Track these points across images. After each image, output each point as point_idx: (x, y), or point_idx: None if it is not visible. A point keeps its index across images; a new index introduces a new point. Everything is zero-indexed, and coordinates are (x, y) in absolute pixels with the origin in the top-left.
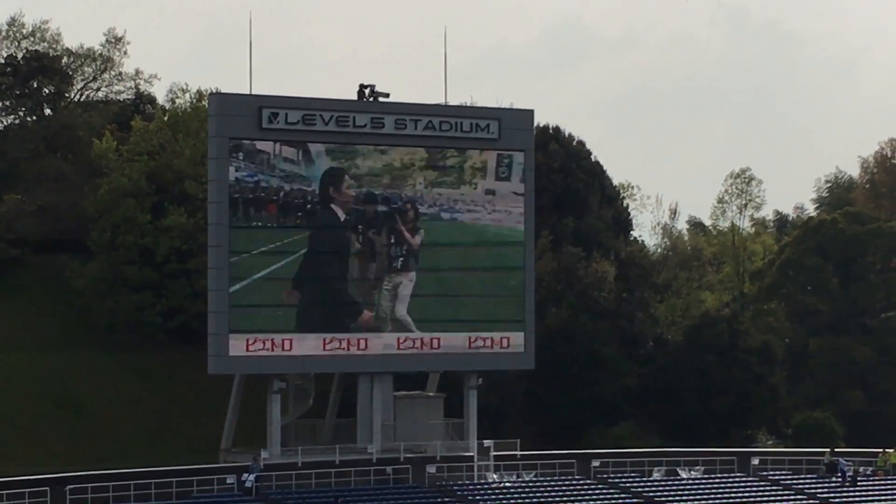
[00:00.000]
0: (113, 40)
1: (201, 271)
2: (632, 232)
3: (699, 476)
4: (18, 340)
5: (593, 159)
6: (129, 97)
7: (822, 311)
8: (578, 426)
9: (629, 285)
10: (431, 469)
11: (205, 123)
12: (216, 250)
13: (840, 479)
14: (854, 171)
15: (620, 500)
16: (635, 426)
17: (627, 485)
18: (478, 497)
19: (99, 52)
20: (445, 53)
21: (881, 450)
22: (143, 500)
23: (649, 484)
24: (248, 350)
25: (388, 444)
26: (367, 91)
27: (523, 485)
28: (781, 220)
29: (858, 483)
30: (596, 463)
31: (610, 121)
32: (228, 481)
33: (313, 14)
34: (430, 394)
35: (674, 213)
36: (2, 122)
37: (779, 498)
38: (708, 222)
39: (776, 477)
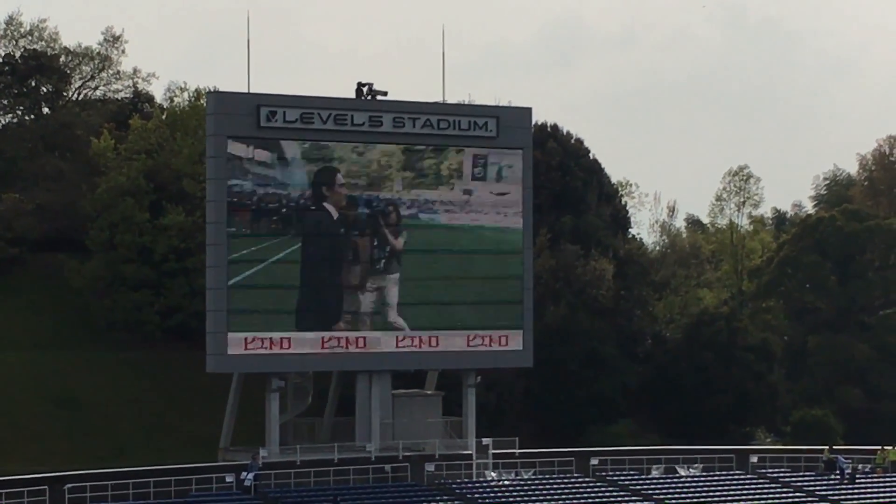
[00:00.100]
0: (111, 39)
1: (200, 270)
2: (630, 230)
3: (698, 474)
4: (17, 339)
5: (591, 157)
6: (127, 96)
7: (821, 308)
8: (577, 424)
9: (627, 283)
10: (430, 467)
11: (203, 122)
12: (214, 249)
13: (839, 477)
14: (852, 168)
15: (619, 498)
16: (634, 424)
17: (626, 483)
18: (476, 495)
19: (97, 50)
20: (443, 51)
21: (880, 447)
22: (141, 499)
23: (648, 482)
24: (246, 349)
25: (387, 442)
26: (365, 89)
27: (522, 483)
28: (780, 217)
29: (857, 480)
30: (594, 461)
31: (608, 118)
32: (227, 480)
33: (311, 12)
34: (429, 392)
35: (672, 210)
36: (0, 121)
37: (777, 495)
38: (706, 220)
39: (775, 474)
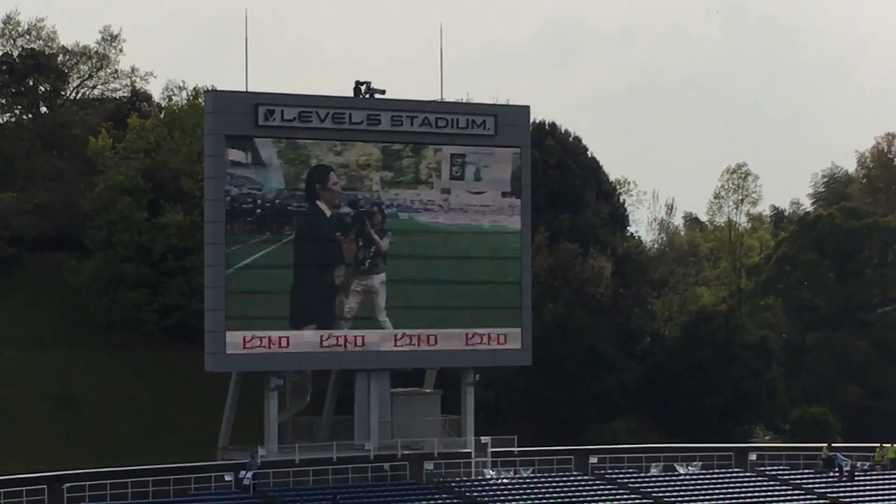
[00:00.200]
0: (109, 38)
1: (198, 269)
2: (628, 228)
3: (697, 472)
4: (15, 339)
5: (590, 155)
6: (125, 95)
7: (819, 306)
8: (576, 422)
9: (626, 281)
10: (429, 466)
11: (201, 121)
12: (213, 247)
13: (837, 474)
14: (850, 166)
15: (618, 496)
16: (632, 422)
17: (625, 481)
18: (475, 493)
19: (95, 49)
20: (441, 50)
21: (878, 444)
22: (140, 498)
23: (647, 480)
24: (244, 347)
25: (386, 440)
26: (363, 88)
27: (521, 481)
28: (778, 215)
29: (856, 478)
30: (593, 459)
31: (606, 117)
32: (226, 479)
33: (309, 11)
34: (428, 390)
35: (670, 208)
36: None
37: (776, 493)
38: (704, 218)
39: (774, 472)
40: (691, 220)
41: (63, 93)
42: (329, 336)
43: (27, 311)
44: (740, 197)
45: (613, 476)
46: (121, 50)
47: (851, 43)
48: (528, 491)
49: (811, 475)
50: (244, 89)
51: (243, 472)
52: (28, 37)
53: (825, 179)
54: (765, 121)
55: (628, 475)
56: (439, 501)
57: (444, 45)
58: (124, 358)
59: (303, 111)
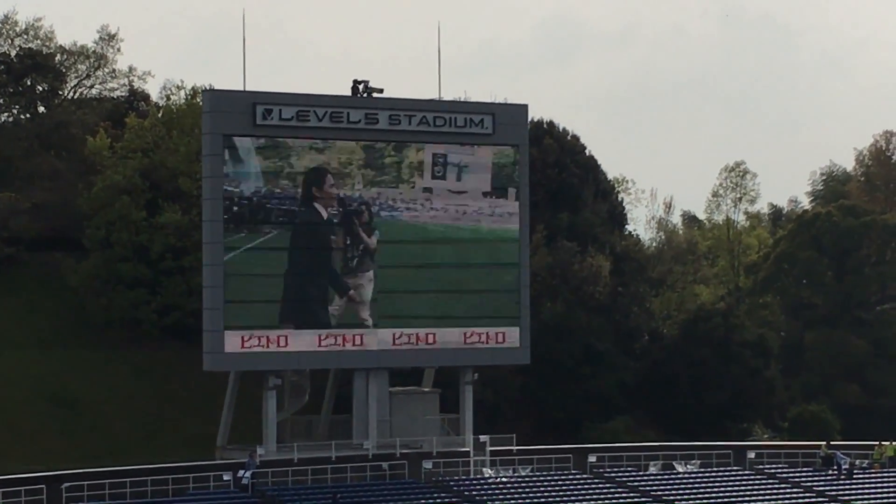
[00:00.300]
0: (106, 37)
1: (196, 268)
2: (626, 226)
3: (695, 470)
4: (14, 338)
5: (588, 154)
6: (123, 95)
7: (818, 304)
8: (574, 421)
9: (624, 280)
10: (427, 464)
11: (199, 120)
12: (211, 247)
13: (836, 472)
14: (848, 164)
15: (617, 495)
16: (631, 420)
17: (624, 479)
18: (474, 492)
19: (92, 49)
20: (439, 49)
21: (877, 442)
22: (139, 498)
23: (646, 478)
24: (243, 347)
25: (384, 439)
26: (361, 87)
27: (519, 480)
28: (776, 213)
29: (855, 476)
30: (592, 458)
31: (604, 115)
32: (225, 478)
33: (307, 10)
34: (426, 389)
35: (668, 207)
36: None
37: (775, 491)
38: (702, 216)
39: (772, 470)
40: (689, 219)
41: (61, 92)
42: (327, 335)
43: (25, 311)
44: (738, 195)
45: (612, 475)
46: (118, 49)
47: (850, 41)
48: (527, 490)
49: (810, 473)
50: (242, 88)
51: (242, 472)
52: (26, 36)
53: (823, 177)
54: (763, 119)
55: (627, 474)
56: (438, 500)
57: (442, 44)
58: (122, 357)
59: (300, 110)
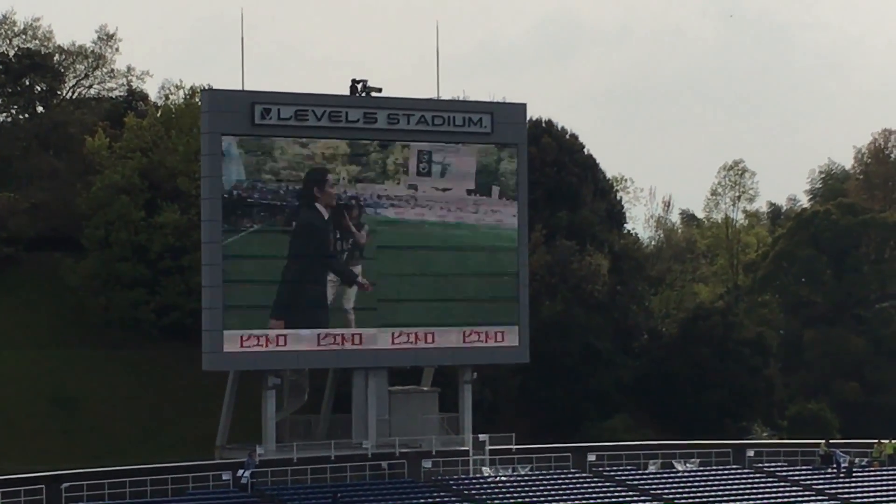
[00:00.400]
0: (105, 37)
1: (195, 268)
2: (625, 225)
3: (695, 469)
4: (13, 338)
5: (586, 152)
6: (122, 94)
7: (817, 302)
8: (573, 419)
9: (623, 278)
10: (427, 464)
11: (198, 120)
12: (210, 247)
13: (835, 471)
14: (847, 162)
15: (616, 494)
16: (630, 419)
17: (623, 478)
18: (473, 491)
19: (91, 49)
20: (438, 48)
21: (876, 440)
22: (138, 497)
23: (645, 477)
24: (242, 346)
25: (384, 439)
26: (359, 86)
27: (519, 479)
28: (775, 211)
29: (854, 474)
30: (591, 456)
31: (603, 114)
32: (224, 477)
33: (305, 10)
34: (425, 388)
35: (667, 205)
36: None
37: (774, 490)
38: (701, 215)
39: (772, 469)
40: (688, 217)
41: (59, 92)
42: (326, 335)
43: (24, 311)
44: (737, 193)
45: (611, 473)
46: (117, 49)
47: (848, 40)
48: (526, 488)
49: (809, 471)
50: (240, 88)
51: (241, 471)
52: (24, 36)
53: (822, 176)
54: (761, 117)
55: (626, 472)
56: (437, 499)
57: (441, 43)
58: (121, 357)
59: (299, 110)
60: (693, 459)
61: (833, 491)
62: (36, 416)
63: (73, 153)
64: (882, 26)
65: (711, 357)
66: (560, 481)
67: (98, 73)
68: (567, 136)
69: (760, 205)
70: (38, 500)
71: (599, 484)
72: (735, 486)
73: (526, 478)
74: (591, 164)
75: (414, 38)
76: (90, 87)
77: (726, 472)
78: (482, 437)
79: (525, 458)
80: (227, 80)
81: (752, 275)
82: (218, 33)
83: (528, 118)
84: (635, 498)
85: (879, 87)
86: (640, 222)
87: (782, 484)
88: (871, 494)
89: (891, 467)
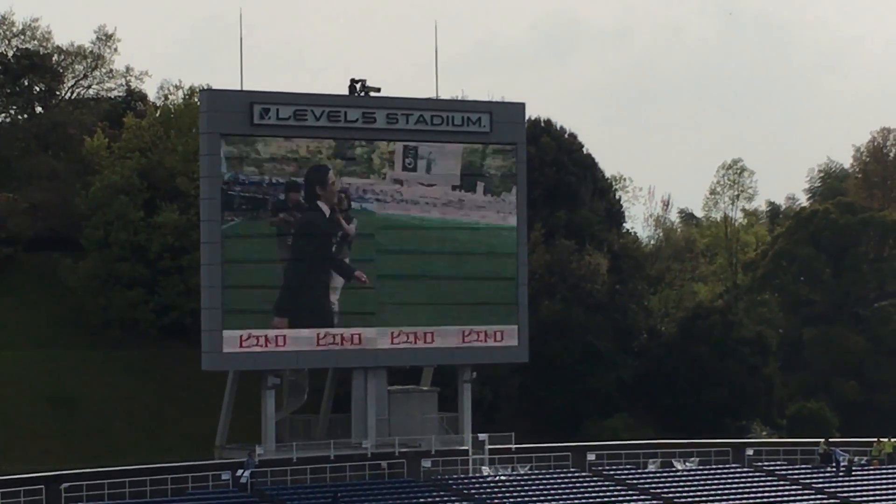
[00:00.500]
0: (103, 38)
1: (194, 268)
2: (624, 224)
3: (694, 467)
4: (12, 338)
5: (585, 152)
6: (121, 94)
7: (816, 301)
8: (573, 419)
9: (622, 277)
10: (426, 463)
11: (197, 120)
12: (209, 247)
13: (835, 469)
14: (846, 161)
15: (616, 493)
16: (630, 418)
17: (623, 477)
18: (473, 491)
19: (89, 49)
20: (436, 47)
21: (876, 439)
22: (138, 497)
23: (645, 476)
24: (241, 346)
25: (383, 438)
26: (358, 86)
27: (518, 478)
28: (774, 210)
29: (853, 473)
30: (591, 455)
31: (602, 113)
32: (223, 477)
33: (303, 10)
34: (425, 388)
35: (666, 204)
36: None
37: (774, 488)
38: (700, 214)
39: (771, 467)
40: (687, 216)
41: (58, 93)
42: (325, 334)
43: (23, 311)
44: (736, 192)
45: (611, 472)
46: (115, 49)
47: (847, 38)
48: (526, 488)
49: (809, 470)
50: (239, 88)
51: (241, 471)
52: (23, 37)
53: (821, 174)
54: (760, 116)
55: (626, 471)
56: (437, 499)
57: (439, 43)
58: (121, 357)
59: (298, 110)
60: (692, 458)
61: (832, 490)
62: (35, 416)
63: (72, 153)
64: (881, 25)
65: (711, 356)
66: (559, 481)
67: (97, 73)
68: (566, 136)
69: (759, 204)
70: (38, 501)
71: (599, 483)
72: (734, 485)
73: (525, 477)
74: (589, 163)
75: (412, 37)
76: (89, 87)
77: (726, 471)
78: (482, 436)
79: (524, 458)
80: (225, 81)
81: (751, 274)
82: (217, 33)
83: (526, 118)
84: (635, 497)
85: (878, 86)
86: (639, 221)
87: (782, 483)
88: (871, 493)
89: (890, 466)
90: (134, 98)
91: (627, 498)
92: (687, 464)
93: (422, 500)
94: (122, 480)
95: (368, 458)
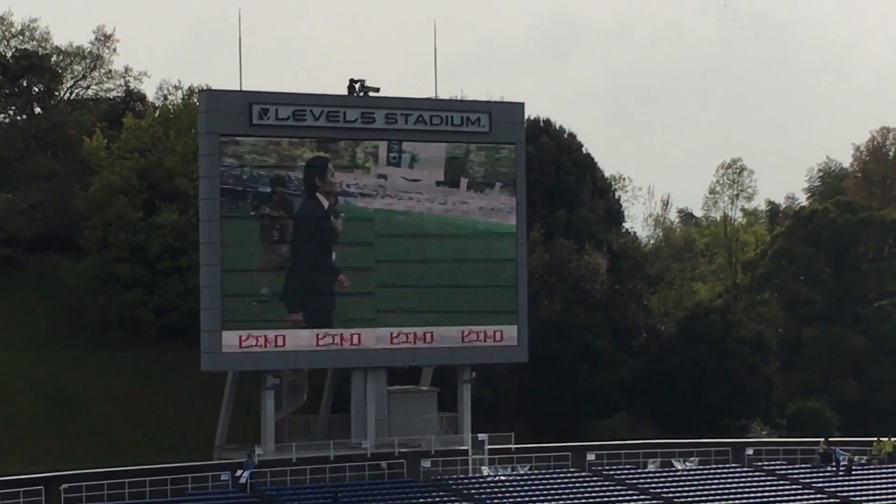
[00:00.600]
0: (102, 38)
1: (193, 268)
2: (624, 224)
3: (694, 467)
4: (11, 339)
5: (584, 151)
6: (119, 95)
7: (815, 300)
8: (573, 419)
9: (622, 277)
10: (426, 463)
11: (196, 120)
12: (208, 247)
13: (835, 469)
14: (845, 160)
15: (616, 493)
16: (629, 418)
17: (622, 477)
18: (472, 491)
19: (88, 49)
20: (435, 47)
21: (876, 438)
22: (137, 498)
23: (644, 475)
24: (241, 346)
25: (383, 438)
26: (357, 86)
27: (518, 478)
28: (773, 209)
29: (853, 472)
30: (591, 455)
31: (601, 113)
32: (223, 478)
33: (303, 9)
34: (424, 388)
35: (666, 204)
36: None
37: (774, 488)
38: (700, 213)
39: (771, 467)
40: (686, 216)
41: (57, 93)
42: (325, 335)
43: (23, 312)
44: (735, 192)
45: (611, 472)
46: (114, 50)
47: (846, 37)
48: (526, 488)
49: (808, 469)
50: (238, 88)
51: (240, 472)
52: (21, 37)
53: (820, 174)
54: (760, 115)
55: (625, 471)
56: (437, 499)
57: (438, 43)
58: (120, 358)
59: (297, 110)
60: (692, 458)
61: (832, 489)
62: (34, 416)
63: (71, 154)
64: (881, 24)
65: (710, 356)
66: (559, 480)
67: (96, 73)
68: (565, 135)
69: (759, 203)
70: (38, 501)
71: (599, 483)
72: (734, 485)
73: (525, 477)
74: (589, 162)
75: (412, 37)
76: (88, 87)
77: (725, 470)
78: (481, 436)
79: (524, 458)
80: (225, 81)
81: (750, 273)
82: (216, 34)
83: (526, 117)
84: (635, 497)
85: (878, 86)
86: (638, 221)
87: (781, 482)
88: (871, 492)
89: (890, 465)
90: (133, 98)
91: (627, 498)
92: (687, 463)
93: (421, 500)
94: (121, 481)
95: (368, 458)
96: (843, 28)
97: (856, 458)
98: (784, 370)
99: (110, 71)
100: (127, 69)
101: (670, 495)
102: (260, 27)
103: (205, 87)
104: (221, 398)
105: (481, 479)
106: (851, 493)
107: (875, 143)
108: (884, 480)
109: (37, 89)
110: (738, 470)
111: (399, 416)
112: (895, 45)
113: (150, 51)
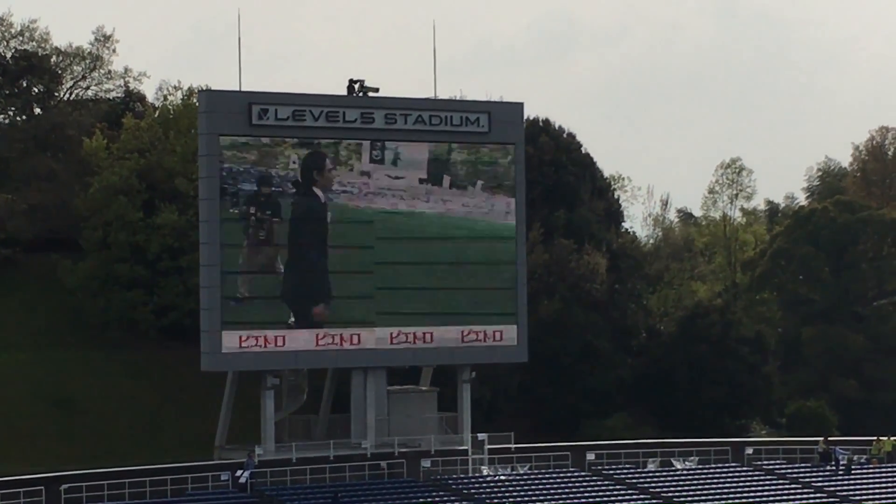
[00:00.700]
0: (102, 38)
1: (193, 269)
2: (623, 223)
3: (694, 466)
4: (11, 340)
5: (584, 151)
6: (119, 95)
7: (815, 300)
8: (572, 418)
9: (621, 277)
10: (426, 463)
11: (195, 121)
12: (207, 247)
13: (834, 468)
14: (845, 159)
15: (615, 492)
16: (629, 418)
17: (622, 476)
18: (472, 490)
19: (88, 50)
20: (434, 47)
21: (875, 438)
22: (138, 498)
23: (644, 475)
24: (240, 346)
25: (383, 438)
26: (356, 86)
27: (518, 478)
28: (772, 209)
29: (853, 471)
30: (590, 455)
31: (600, 112)
32: (223, 478)
33: (302, 9)
34: (424, 388)
35: (665, 204)
36: None
37: (774, 487)
38: (699, 213)
39: (770, 466)
40: (686, 216)
41: (56, 94)
42: (324, 334)
43: (22, 313)
44: (735, 192)
45: (610, 472)
46: (114, 50)
47: (845, 36)
48: (526, 487)
49: (808, 469)
50: (238, 89)
51: (240, 472)
52: (21, 38)
53: (820, 173)
54: (759, 115)
55: (625, 471)
56: (437, 499)
57: (438, 42)
58: (120, 358)
59: (296, 110)
60: (692, 457)
61: (832, 488)
62: (35, 417)
63: (70, 154)
64: (880, 23)
65: (710, 355)
66: (559, 480)
67: (95, 74)
68: (564, 135)
69: (758, 203)
70: (38, 502)
71: (599, 482)
72: (734, 484)
73: (525, 477)
74: (588, 162)
75: (411, 37)
76: (87, 88)
77: (725, 469)
78: (481, 436)
79: (524, 457)
80: (224, 81)
81: (750, 273)
82: (215, 34)
83: (525, 117)
84: (634, 496)
85: (877, 85)
86: (637, 221)
87: (781, 481)
88: (870, 492)
89: (890, 464)
90: (132, 99)
91: (627, 497)
92: (686, 463)
93: (421, 500)
94: (121, 481)
95: (368, 458)
96: (842, 28)
97: (855, 457)
98: (783, 369)
99: (110, 71)
100: (126, 70)
101: (670, 495)
102: (260, 27)
103: (204, 88)
104: (221, 398)
105: (481, 479)
106: (851, 493)
107: (874, 142)
108: (883, 480)
109: (36, 90)
110: (738, 469)
111: (399, 416)
112: (894, 45)
113: (150, 51)
